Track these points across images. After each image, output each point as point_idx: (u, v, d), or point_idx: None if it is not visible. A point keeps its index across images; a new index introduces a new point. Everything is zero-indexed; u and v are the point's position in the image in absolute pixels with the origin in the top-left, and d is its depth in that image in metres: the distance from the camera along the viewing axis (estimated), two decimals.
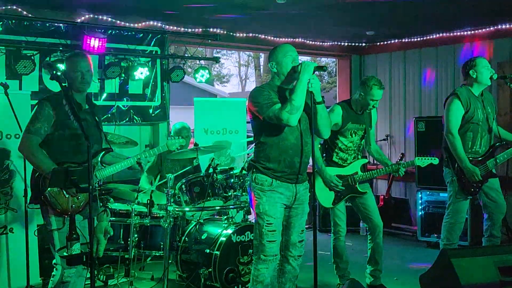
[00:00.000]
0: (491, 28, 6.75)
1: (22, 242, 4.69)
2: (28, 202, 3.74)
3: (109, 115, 6.07)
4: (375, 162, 7.19)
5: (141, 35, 6.27)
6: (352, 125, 4.68)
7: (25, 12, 5.49)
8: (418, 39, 7.55)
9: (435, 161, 4.72)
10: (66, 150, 3.58)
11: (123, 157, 3.89)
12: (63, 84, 3.36)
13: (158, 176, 5.68)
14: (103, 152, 3.79)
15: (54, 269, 3.59)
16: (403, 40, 7.73)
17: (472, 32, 6.96)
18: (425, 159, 4.72)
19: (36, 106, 3.61)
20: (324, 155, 4.76)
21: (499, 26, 6.65)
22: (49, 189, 3.43)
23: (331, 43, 7.98)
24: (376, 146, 5.01)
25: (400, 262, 6.05)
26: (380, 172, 4.84)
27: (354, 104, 4.73)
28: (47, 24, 5.56)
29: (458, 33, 7.09)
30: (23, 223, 4.71)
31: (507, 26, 6.58)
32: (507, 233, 6.00)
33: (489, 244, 4.71)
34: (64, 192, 3.48)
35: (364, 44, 8.21)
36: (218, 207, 5.04)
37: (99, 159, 3.76)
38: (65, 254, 3.01)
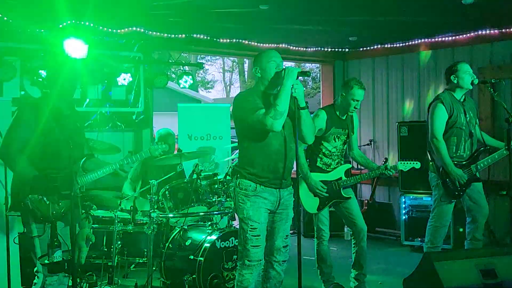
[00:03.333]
0: (472, 34, 6.84)
1: (3, 251, 4.62)
2: (8, 209, 3.69)
3: (92, 121, 6.02)
4: (358, 167, 7.23)
5: (124, 40, 6.24)
6: (335, 130, 4.70)
7: (5, 18, 5.43)
8: (401, 44, 7.62)
9: (417, 165, 4.76)
10: (47, 156, 3.54)
11: (105, 164, 3.86)
12: (44, 90, 3.33)
13: (140, 183, 5.64)
14: (85, 158, 3.76)
15: (36, 277, 3.55)
16: (386, 46, 7.79)
17: (453, 37, 7.04)
18: (407, 163, 4.76)
19: (16, 112, 3.57)
20: (308, 160, 4.77)
21: (479, 32, 6.73)
22: (29, 196, 3.39)
23: (314, 49, 8.01)
24: (359, 151, 5.03)
25: (384, 266, 6.08)
26: (364, 177, 4.86)
27: (337, 108, 4.76)
28: (28, 30, 5.50)
29: (440, 39, 7.17)
30: (4, 231, 4.64)
31: (487, 31, 6.67)
32: (490, 237, 6.06)
33: (471, 247, 4.76)
34: (45, 199, 3.44)
35: (347, 50, 8.26)
36: (202, 213, 5.02)
37: (81, 165, 3.72)
38: (46, 261, 2.97)
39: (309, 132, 3.73)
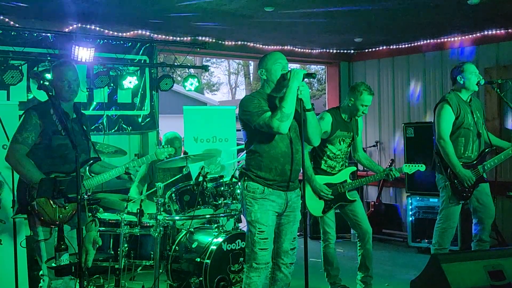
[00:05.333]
0: (478, 34, 6.82)
1: (10, 254, 4.64)
2: (14, 213, 3.70)
3: (98, 125, 6.04)
4: (364, 168, 7.23)
5: (130, 44, 6.27)
6: (340, 133, 4.69)
7: (12, 22, 5.46)
8: (406, 45, 7.61)
9: (422, 168, 4.76)
10: (53, 159, 3.56)
11: (111, 167, 3.87)
12: (50, 94, 3.34)
13: (146, 185, 5.65)
14: (91, 161, 3.77)
15: (41, 280, 3.55)
16: (391, 47, 7.78)
17: (459, 38, 7.02)
18: (412, 166, 4.76)
19: (23, 116, 3.59)
20: (312, 163, 4.76)
21: (485, 32, 6.72)
22: (36, 199, 3.40)
23: (319, 51, 8.01)
24: (364, 154, 5.02)
25: (391, 268, 6.06)
26: (369, 180, 4.85)
27: (343, 111, 4.75)
28: (35, 34, 5.54)
29: (445, 39, 7.15)
30: (12, 234, 4.66)
31: (493, 32, 6.65)
32: (497, 238, 6.03)
33: (479, 249, 4.73)
34: (51, 202, 3.45)
35: (352, 51, 8.26)
36: (209, 216, 5.03)
37: (87, 169, 3.73)
38: (53, 265, 2.98)
39: (315, 134, 3.72)
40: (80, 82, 3.78)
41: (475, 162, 4.71)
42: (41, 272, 3.57)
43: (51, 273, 3.30)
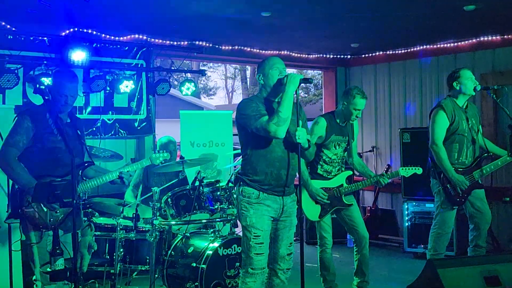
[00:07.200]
0: (474, 40, 6.84)
1: (5, 258, 4.61)
2: (6, 217, 3.68)
3: (94, 129, 6.03)
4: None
5: (126, 48, 6.26)
6: (335, 137, 4.69)
7: (8, 26, 5.45)
8: (402, 51, 7.62)
9: (419, 170, 4.76)
10: (46, 162, 3.54)
11: (105, 171, 3.86)
12: (46, 98, 3.33)
13: (141, 190, 5.64)
14: (85, 165, 3.76)
15: (34, 285, 3.53)
16: (388, 52, 7.80)
17: (455, 44, 7.04)
18: (409, 169, 4.76)
19: (16, 119, 3.58)
20: (309, 167, 4.76)
21: (481, 38, 6.74)
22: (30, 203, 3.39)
23: (316, 56, 8.02)
24: (358, 159, 5.02)
25: (387, 273, 6.05)
26: (365, 184, 4.85)
27: (338, 116, 4.76)
28: (31, 38, 5.53)
29: (441, 45, 7.17)
30: (6, 238, 4.63)
31: (489, 38, 6.67)
32: (493, 243, 6.03)
33: (475, 254, 4.74)
34: (42, 205, 3.43)
35: (349, 57, 8.27)
36: (205, 220, 5.01)
37: (80, 173, 3.72)
38: (48, 269, 2.96)
39: (309, 158, 3.85)
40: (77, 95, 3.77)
41: (469, 168, 4.72)
42: (34, 277, 3.54)
43: (44, 278, 3.28)
